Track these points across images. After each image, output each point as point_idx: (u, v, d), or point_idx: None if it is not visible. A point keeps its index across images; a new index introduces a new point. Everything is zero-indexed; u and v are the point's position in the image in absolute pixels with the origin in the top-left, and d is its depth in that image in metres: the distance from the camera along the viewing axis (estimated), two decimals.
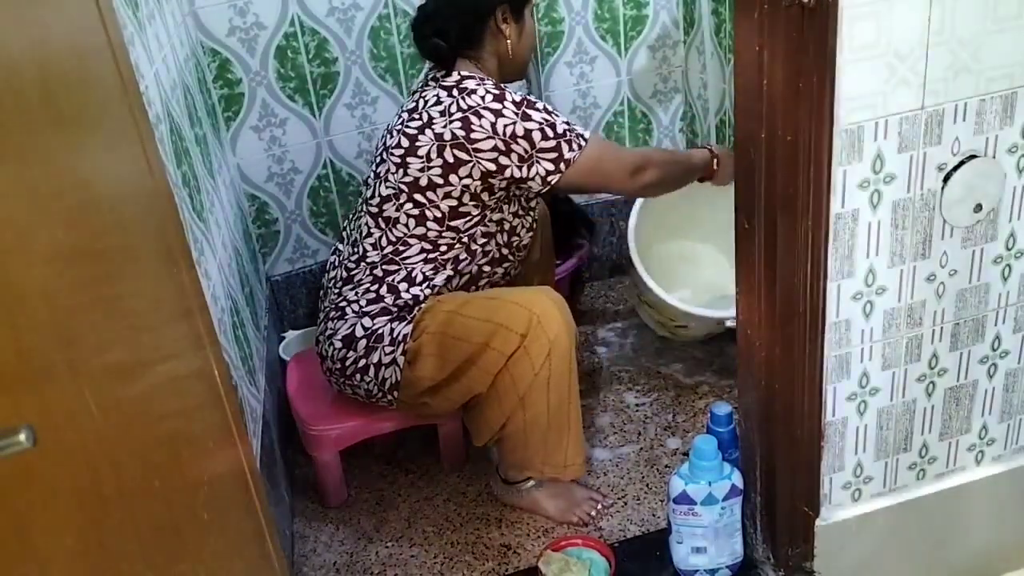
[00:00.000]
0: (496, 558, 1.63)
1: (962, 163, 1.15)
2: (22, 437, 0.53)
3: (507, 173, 1.56)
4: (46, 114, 0.73)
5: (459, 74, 1.61)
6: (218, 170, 1.91)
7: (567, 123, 1.58)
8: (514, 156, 1.54)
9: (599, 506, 1.70)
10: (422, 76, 1.71)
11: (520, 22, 1.69)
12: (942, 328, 1.27)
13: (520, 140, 1.53)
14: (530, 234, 1.76)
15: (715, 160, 1.79)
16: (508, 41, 1.67)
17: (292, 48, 2.12)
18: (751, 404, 1.36)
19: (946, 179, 1.16)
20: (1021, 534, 1.47)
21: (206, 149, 1.80)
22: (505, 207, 1.66)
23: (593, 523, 1.67)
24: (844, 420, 1.30)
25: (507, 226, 1.69)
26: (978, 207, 1.19)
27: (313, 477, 1.82)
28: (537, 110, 1.56)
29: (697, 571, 1.49)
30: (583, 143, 1.58)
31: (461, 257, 1.64)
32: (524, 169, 1.55)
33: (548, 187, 1.58)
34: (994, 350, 1.32)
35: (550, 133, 1.55)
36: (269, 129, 2.19)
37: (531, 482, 1.69)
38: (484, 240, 1.66)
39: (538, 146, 1.54)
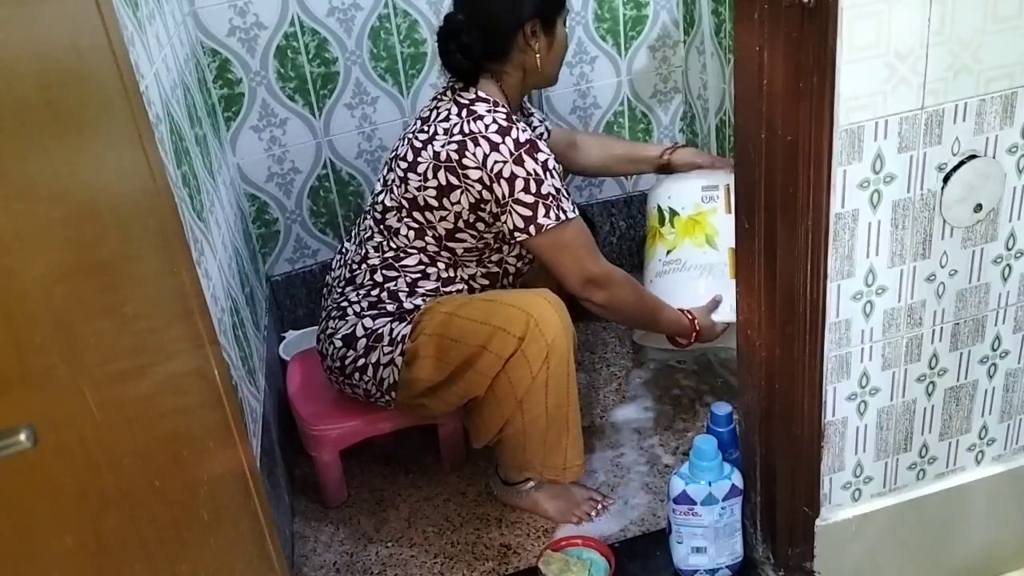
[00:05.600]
0: (496, 558, 1.63)
1: (962, 163, 1.15)
2: (22, 437, 0.53)
3: (488, 208, 1.55)
4: (46, 114, 0.73)
5: (475, 93, 1.59)
6: (218, 170, 1.91)
7: (557, 190, 1.53)
8: (495, 195, 1.53)
9: (599, 506, 1.70)
10: (445, 81, 1.68)
11: (551, 35, 1.63)
12: (942, 328, 1.27)
13: (502, 182, 1.51)
14: (529, 266, 1.76)
15: (694, 334, 1.74)
16: (537, 56, 1.62)
17: (292, 48, 2.13)
18: (751, 404, 1.36)
19: (946, 179, 1.16)
20: (1021, 534, 1.47)
21: (206, 149, 1.80)
22: (505, 248, 1.66)
23: (593, 523, 1.67)
24: (844, 420, 1.30)
25: (511, 268, 1.69)
26: (978, 207, 1.19)
27: (313, 477, 1.82)
28: (534, 160, 1.51)
29: (697, 571, 1.49)
30: (563, 217, 1.54)
31: (463, 292, 1.65)
32: (500, 212, 1.54)
33: (514, 241, 1.57)
34: (994, 350, 1.32)
35: (532, 188, 1.51)
36: (269, 129, 2.19)
37: (531, 483, 1.69)
38: (486, 282, 1.67)
39: (516, 196, 1.51)
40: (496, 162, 1.51)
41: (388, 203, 1.63)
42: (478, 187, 1.53)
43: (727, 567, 1.48)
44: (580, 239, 1.59)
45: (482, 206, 1.55)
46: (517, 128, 1.54)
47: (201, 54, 2.06)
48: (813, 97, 1.08)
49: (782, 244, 1.18)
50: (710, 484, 1.41)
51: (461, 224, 1.58)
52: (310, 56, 2.15)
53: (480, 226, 1.59)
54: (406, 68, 2.21)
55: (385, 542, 1.71)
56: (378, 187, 1.69)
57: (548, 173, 1.53)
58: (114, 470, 0.72)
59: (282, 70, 2.14)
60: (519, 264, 1.71)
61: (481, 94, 1.59)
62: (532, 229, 1.54)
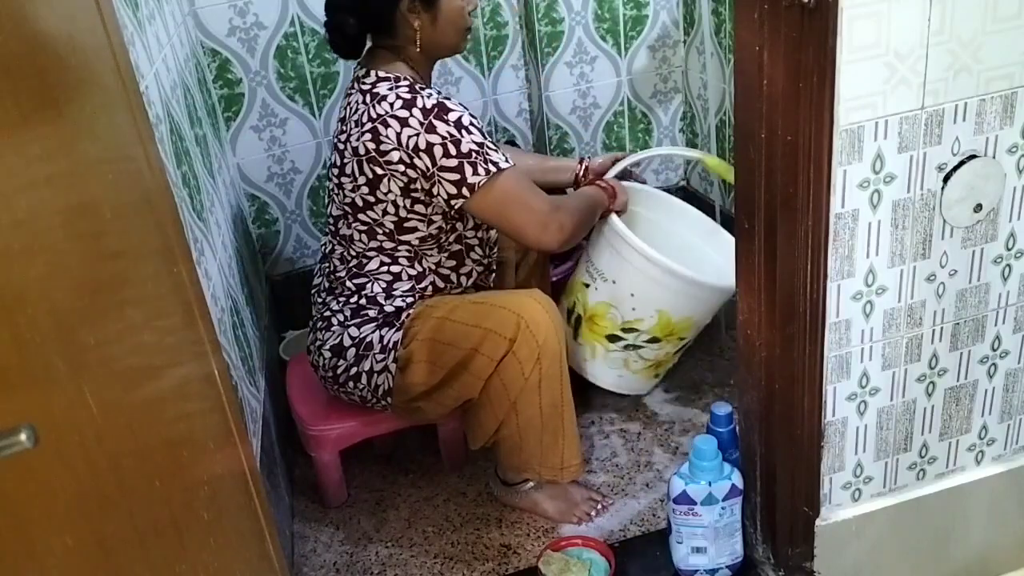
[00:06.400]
0: (496, 558, 1.63)
1: (962, 163, 1.15)
2: (22, 437, 0.53)
3: (417, 185, 1.50)
4: (45, 114, 0.73)
5: (375, 75, 1.54)
6: (218, 170, 1.91)
7: (479, 144, 1.47)
8: (418, 170, 1.48)
9: (599, 506, 1.70)
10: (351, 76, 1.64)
11: (433, 8, 1.54)
12: (942, 328, 1.27)
13: (422, 154, 1.46)
14: (495, 232, 1.73)
15: (606, 190, 1.73)
16: (418, 32, 1.54)
17: (292, 48, 2.13)
18: (751, 404, 1.36)
19: (946, 179, 1.16)
20: (1021, 534, 1.47)
21: (206, 149, 1.80)
22: (458, 224, 1.61)
23: (593, 523, 1.67)
24: (844, 420, 1.30)
25: (473, 242, 1.66)
26: (978, 207, 1.19)
27: (313, 477, 1.82)
28: (445, 121, 1.46)
29: (697, 571, 1.49)
30: (492, 170, 1.47)
31: (439, 285, 1.64)
32: (429, 184, 1.49)
33: (452, 210, 1.53)
34: (994, 350, 1.32)
35: (452, 151, 1.45)
36: (269, 129, 2.19)
37: (530, 483, 1.69)
38: (454, 262, 1.64)
39: (439, 163, 1.46)
40: (410, 137, 1.46)
41: (336, 212, 1.62)
42: (401, 168, 1.48)
43: (727, 567, 1.48)
44: (518, 186, 1.51)
45: (412, 187, 1.50)
46: (421, 96, 1.49)
47: (201, 54, 2.06)
48: (813, 97, 1.08)
49: (782, 244, 1.18)
50: (710, 484, 1.41)
51: (403, 213, 1.54)
52: (310, 56, 2.15)
53: (420, 208, 1.54)
54: None
55: (385, 542, 1.71)
56: (327, 199, 1.67)
57: (463, 131, 1.47)
58: (114, 470, 0.72)
59: (282, 70, 2.14)
60: (479, 234, 1.67)
61: (381, 73, 1.54)
62: (465, 191, 1.48)
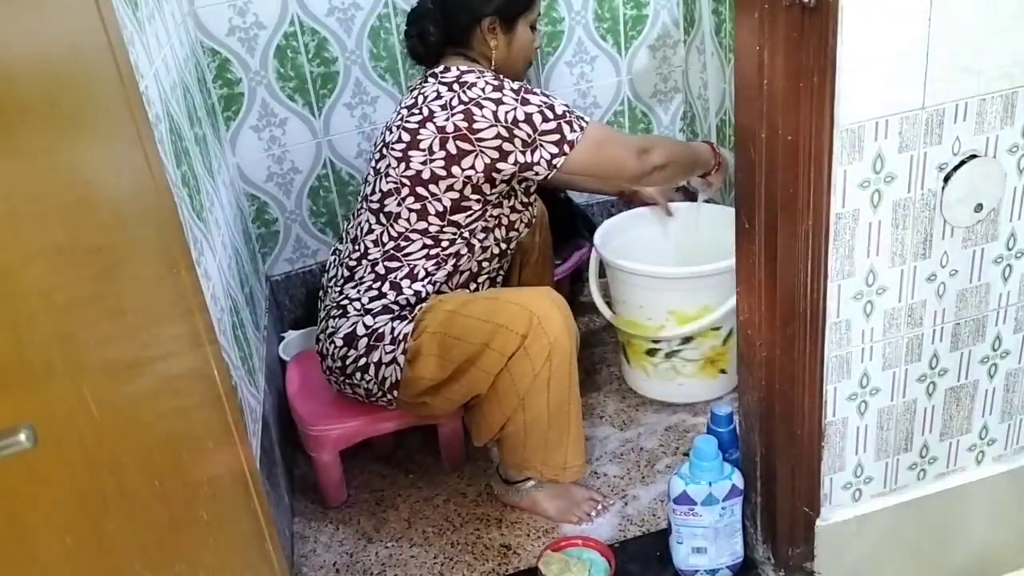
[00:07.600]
0: (496, 558, 1.63)
1: (963, 163, 1.15)
2: (22, 437, 0.53)
3: (511, 159, 1.56)
4: (45, 114, 0.73)
5: (458, 69, 1.62)
6: (218, 170, 1.91)
7: (567, 106, 1.59)
8: (517, 142, 1.54)
9: (599, 506, 1.70)
10: (421, 73, 1.71)
11: (510, 34, 1.69)
12: (943, 328, 1.27)
13: (522, 125, 1.54)
14: (527, 228, 1.76)
15: (716, 155, 1.83)
16: (493, 52, 1.68)
17: (292, 48, 2.13)
18: (751, 404, 1.36)
19: (947, 179, 1.16)
20: (1021, 534, 1.47)
21: (206, 149, 1.80)
22: (504, 201, 1.66)
23: (593, 523, 1.67)
24: (844, 420, 1.30)
25: (505, 220, 1.69)
26: (979, 207, 1.19)
27: (313, 477, 1.82)
28: (535, 94, 1.57)
29: (697, 571, 1.49)
30: (584, 124, 1.58)
31: (461, 252, 1.65)
32: (528, 154, 1.56)
33: (554, 171, 1.59)
34: (995, 350, 1.32)
35: (550, 115, 1.55)
36: (269, 129, 2.19)
37: (531, 482, 1.69)
38: (483, 235, 1.66)
39: (540, 129, 1.55)
40: (507, 112, 1.54)
41: (385, 188, 1.63)
42: (495, 143, 1.54)
43: (727, 567, 1.48)
44: (607, 130, 1.69)
45: (498, 166, 1.56)
46: (507, 81, 1.59)
47: (201, 54, 2.06)
48: (813, 97, 1.08)
49: (782, 244, 1.18)
50: (710, 484, 1.41)
51: (469, 190, 1.59)
52: (310, 56, 2.15)
53: (487, 188, 1.60)
54: (406, 68, 2.21)
55: (385, 542, 1.70)
56: (370, 178, 1.68)
57: (551, 98, 1.59)
58: (114, 470, 0.72)
59: (282, 70, 2.14)
60: (512, 217, 1.70)
61: (463, 67, 1.63)
62: (566, 147, 1.56)
